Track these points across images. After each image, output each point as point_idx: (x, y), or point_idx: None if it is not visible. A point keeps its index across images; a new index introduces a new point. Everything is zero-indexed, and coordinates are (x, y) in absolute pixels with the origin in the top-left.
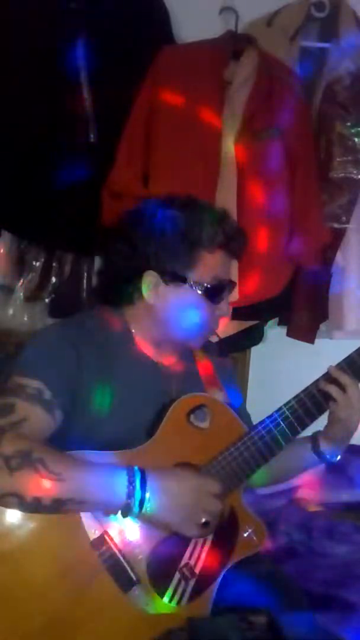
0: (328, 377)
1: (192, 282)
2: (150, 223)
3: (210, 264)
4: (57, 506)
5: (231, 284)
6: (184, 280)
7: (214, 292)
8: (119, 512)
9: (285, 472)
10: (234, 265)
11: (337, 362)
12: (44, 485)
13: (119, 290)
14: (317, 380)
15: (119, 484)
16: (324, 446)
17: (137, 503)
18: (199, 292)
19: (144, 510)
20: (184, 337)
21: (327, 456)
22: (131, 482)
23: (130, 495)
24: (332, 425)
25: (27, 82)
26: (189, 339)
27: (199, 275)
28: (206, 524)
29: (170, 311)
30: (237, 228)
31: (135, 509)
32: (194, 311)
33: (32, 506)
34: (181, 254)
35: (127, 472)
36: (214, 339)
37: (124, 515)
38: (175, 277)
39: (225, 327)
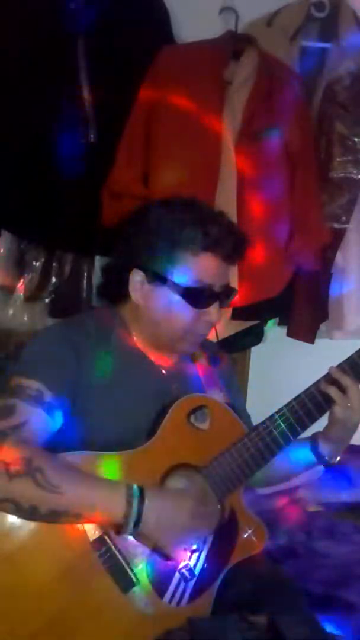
0: (329, 378)
1: (171, 284)
2: (142, 221)
3: (192, 267)
4: (53, 517)
5: (225, 290)
6: (164, 280)
7: (195, 296)
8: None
9: (284, 473)
10: (233, 270)
11: (337, 362)
12: (41, 496)
13: (113, 288)
14: (318, 381)
15: (117, 502)
16: (323, 447)
17: (132, 523)
18: (178, 294)
19: (138, 529)
20: (168, 340)
21: (326, 457)
22: (129, 502)
23: (127, 515)
24: (331, 426)
25: (27, 82)
26: (174, 342)
27: (179, 276)
28: (195, 550)
29: (153, 312)
30: (227, 231)
31: (130, 528)
32: (175, 314)
33: (28, 514)
34: (163, 254)
35: (126, 491)
36: (213, 339)
37: (118, 532)
38: (157, 277)
39: (225, 327)
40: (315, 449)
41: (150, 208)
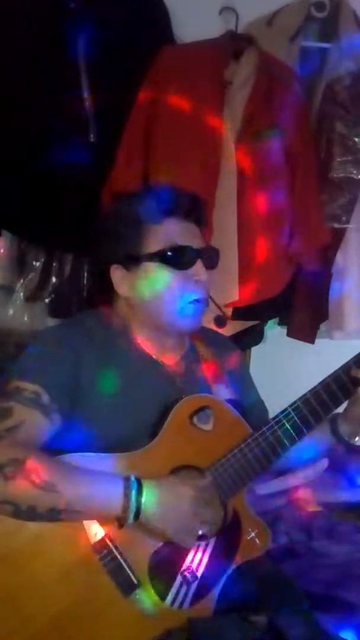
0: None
1: (147, 257)
2: (100, 224)
3: (160, 234)
4: (53, 515)
5: (206, 249)
6: (139, 259)
7: (174, 257)
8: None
9: (303, 455)
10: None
11: (337, 362)
12: (39, 496)
13: (102, 295)
14: (337, 372)
15: (115, 495)
16: (343, 427)
17: (132, 515)
18: (157, 262)
19: (139, 520)
20: (169, 319)
21: (346, 438)
22: (127, 494)
23: (125, 507)
24: (353, 407)
25: (27, 82)
26: (176, 320)
27: (151, 247)
28: (203, 536)
29: (143, 294)
30: (178, 193)
31: (130, 520)
32: (162, 283)
33: (27, 514)
34: (129, 237)
35: (124, 483)
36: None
37: (120, 525)
38: (132, 260)
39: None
40: (334, 430)
41: (103, 211)
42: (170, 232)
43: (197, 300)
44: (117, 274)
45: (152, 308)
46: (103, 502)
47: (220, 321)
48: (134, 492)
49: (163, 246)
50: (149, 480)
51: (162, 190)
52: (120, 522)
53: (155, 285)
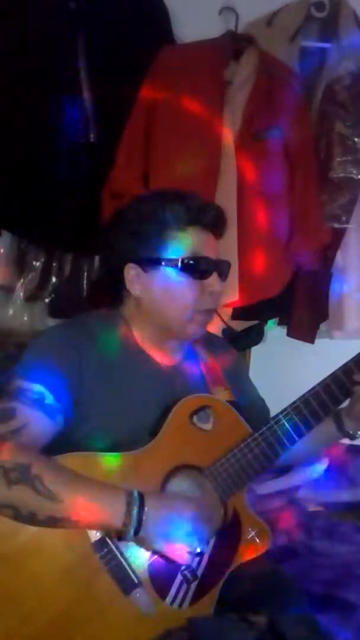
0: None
1: (167, 262)
2: (120, 221)
3: (183, 241)
4: (52, 522)
5: (222, 262)
6: (159, 262)
7: (193, 266)
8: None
9: (309, 448)
10: (227, 244)
11: (337, 362)
12: (40, 503)
13: (109, 292)
14: (336, 372)
15: (117, 509)
16: (348, 424)
17: (132, 530)
18: (176, 268)
19: (139, 536)
20: (177, 325)
21: (351, 432)
22: (129, 510)
23: (126, 522)
24: (356, 405)
25: (27, 82)
26: (183, 326)
27: (173, 253)
28: (200, 554)
29: (157, 298)
30: (205, 203)
31: (131, 534)
32: (178, 291)
33: (27, 519)
34: (152, 239)
35: (126, 498)
36: (221, 324)
37: (119, 538)
38: (151, 262)
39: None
40: (339, 425)
41: (124, 208)
42: (193, 241)
43: (208, 310)
44: (132, 273)
45: (162, 311)
46: (104, 515)
47: (229, 334)
48: (135, 508)
49: (185, 254)
50: (151, 495)
51: (191, 197)
52: (121, 535)
53: (171, 290)
